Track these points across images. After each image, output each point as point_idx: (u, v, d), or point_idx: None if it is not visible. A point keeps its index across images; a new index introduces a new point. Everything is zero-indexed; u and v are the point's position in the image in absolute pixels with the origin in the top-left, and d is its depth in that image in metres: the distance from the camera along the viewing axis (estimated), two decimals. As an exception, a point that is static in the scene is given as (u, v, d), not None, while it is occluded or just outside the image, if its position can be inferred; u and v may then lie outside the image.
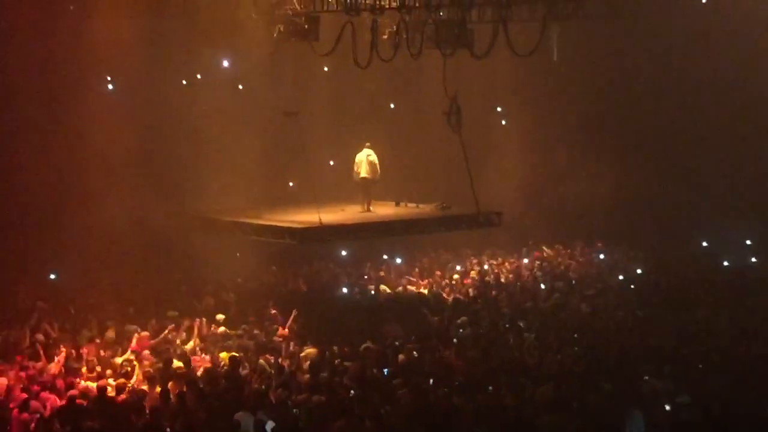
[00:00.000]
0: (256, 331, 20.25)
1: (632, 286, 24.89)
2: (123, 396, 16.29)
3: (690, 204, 30.67)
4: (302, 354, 18.54)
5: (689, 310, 21.91)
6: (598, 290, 23.90)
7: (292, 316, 20.80)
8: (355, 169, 24.95)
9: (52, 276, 23.79)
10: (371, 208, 25.08)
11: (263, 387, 16.64)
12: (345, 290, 24.39)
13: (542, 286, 24.65)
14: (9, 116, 24.09)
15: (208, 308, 21.87)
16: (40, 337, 19.07)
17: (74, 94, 24.94)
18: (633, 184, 31.11)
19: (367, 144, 25.04)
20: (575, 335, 19.81)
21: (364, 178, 24.84)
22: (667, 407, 15.20)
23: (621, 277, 25.95)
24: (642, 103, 31.30)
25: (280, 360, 18.17)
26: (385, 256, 27.66)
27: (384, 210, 25.49)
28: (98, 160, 25.18)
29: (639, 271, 26.92)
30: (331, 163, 28.75)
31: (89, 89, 25.70)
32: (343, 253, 27.66)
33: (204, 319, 20.39)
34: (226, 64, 27.47)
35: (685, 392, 15.65)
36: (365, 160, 24.81)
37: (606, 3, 23.22)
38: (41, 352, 18.15)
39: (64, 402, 15.89)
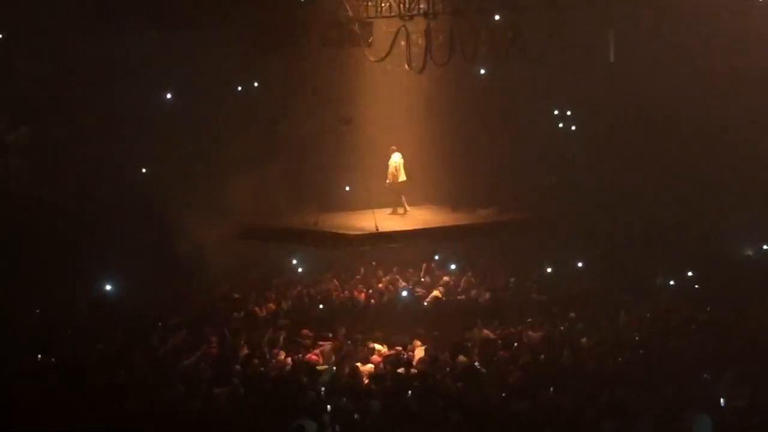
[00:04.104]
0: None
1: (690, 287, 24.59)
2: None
3: (740, 205, 29.94)
4: (360, 362, 18.55)
5: (747, 310, 21.67)
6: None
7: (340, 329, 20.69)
8: (393, 172, 25.10)
9: (108, 287, 23.87)
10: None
11: (323, 392, 16.66)
12: (405, 294, 24.23)
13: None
14: (68, 130, 24.40)
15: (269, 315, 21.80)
16: None
17: (132, 105, 25.23)
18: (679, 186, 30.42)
19: (393, 147, 25.27)
20: (636, 337, 19.66)
21: (403, 182, 25.10)
22: (733, 411, 15.04)
23: (672, 282, 25.60)
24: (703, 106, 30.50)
25: (339, 366, 18.17)
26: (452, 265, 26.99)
27: (439, 215, 25.49)
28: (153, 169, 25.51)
29: (689, 273, 26.56)
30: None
31: (147, 100, 26.00)
32: (399, 257, 27.58)
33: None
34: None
35: (748, 395, 15.47)
36: (401, 162, 25.00)
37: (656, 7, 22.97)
38: None
39: None
